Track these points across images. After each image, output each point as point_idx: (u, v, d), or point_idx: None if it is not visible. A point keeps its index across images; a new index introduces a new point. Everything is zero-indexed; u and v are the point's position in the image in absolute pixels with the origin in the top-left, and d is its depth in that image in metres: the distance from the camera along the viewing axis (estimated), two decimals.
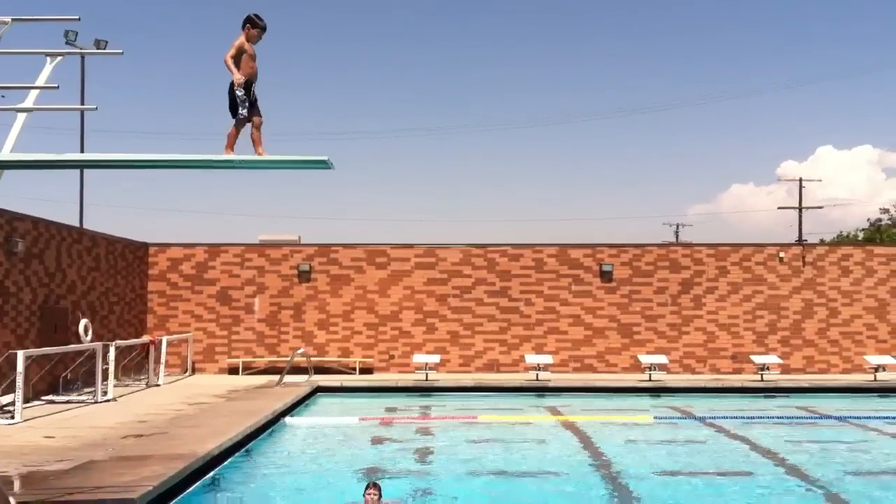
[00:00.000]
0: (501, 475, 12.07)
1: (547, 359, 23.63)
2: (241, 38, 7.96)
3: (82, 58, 30.92)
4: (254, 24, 7.94)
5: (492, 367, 25.46)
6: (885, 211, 65.65)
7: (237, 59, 7.90)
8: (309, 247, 26.18)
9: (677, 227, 72.49)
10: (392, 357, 25.51)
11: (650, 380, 22.68)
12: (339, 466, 12.38)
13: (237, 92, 7.86)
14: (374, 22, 76.82)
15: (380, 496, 9.11)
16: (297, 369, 22.77)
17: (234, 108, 7.94)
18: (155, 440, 12.71)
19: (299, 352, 23.15)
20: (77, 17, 11.52)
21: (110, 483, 9.57)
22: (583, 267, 25.84)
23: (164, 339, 22.90)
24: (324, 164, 9.57)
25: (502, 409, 19.16)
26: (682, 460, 13.48)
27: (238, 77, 7.84)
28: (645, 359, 23.61)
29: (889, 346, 25.55)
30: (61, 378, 18.96)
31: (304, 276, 25.74)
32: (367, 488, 9.19)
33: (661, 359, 23.71)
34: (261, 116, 8.08)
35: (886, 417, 17.59)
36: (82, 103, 30.63)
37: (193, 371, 24.96)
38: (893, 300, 25.90)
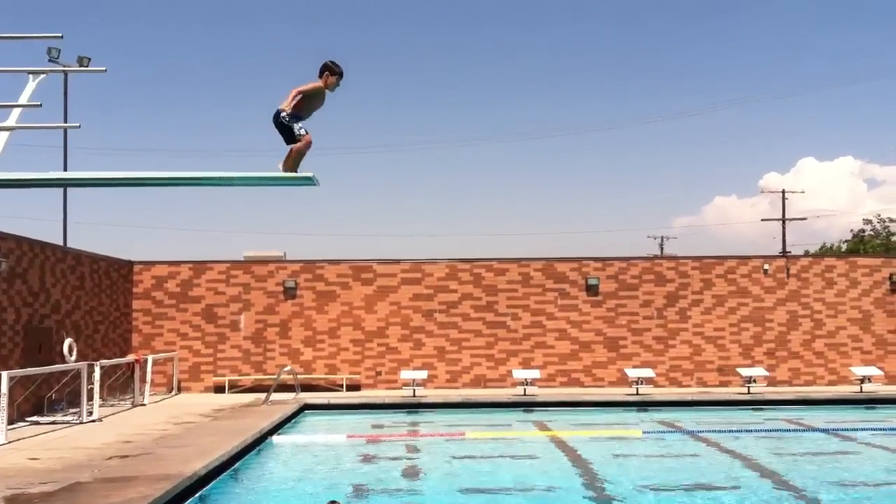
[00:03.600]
0: (489, 492, 12.03)
1: (534, 373, 23.62)
2: (320, 83, 8.00)
3: (65, 75, 30.86)
4: (332, 72, 7.99)
5: (479, 382, 25.43)
6: (868, 222, 66.06)
7: (307, 100, 7.97)
8: (294, 263, 26.12)
9: (662, 239, 72.81)
10: (379, 373, 25.45)
11: (637, 393, 22.69)
12: (326, 485, 12.29)
13: (284, 117, 7.88)
14: (357, 39, 76.90)
15: None
16: (283, 387, 22.67)
17: (288, 138, 7.96)
18: (141, 461, 12.60)
19: (286, 369, 23.06)
20: (60, 34, 11.50)
21: None
22: (568, 281, 25.87)
23: (150, 358, 22.77)
24: (309, 181, 9.55)
25: (490, 424, 19.13)
26: (670, 475, 13.47)
27: (287, 105, 7.91)
28: (632, 372, 23.62)
29: (874, 357, 25.69)
30: (46, 399, 18.82)
31: (290, 292, 25.67)
32: None
33: (648, 372, 23.74)
34: (309, 135, 8.13)
35: (873, 429, 17.65)
36: (65, 121, 30.52)
37: (179, 390, 24.83)
38: (878, 311, 26.04)
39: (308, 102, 8.06)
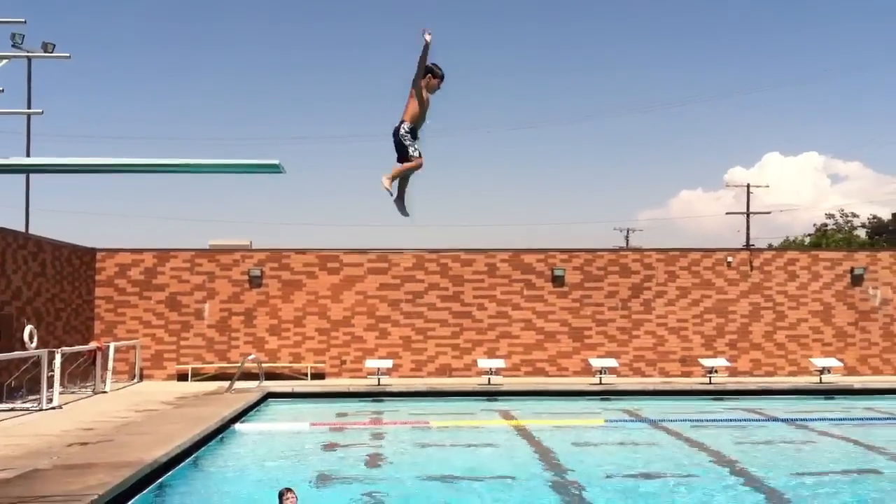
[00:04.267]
0: (453, 480, 12.07)
1: (499, 363, 23.70)
2: (422, 84, 7.92)
3: (29, 61, 30.43)
4: (434, 74, 7.92)
5: (444, 371, 25.48)
6: (831, 216, 66.98)
7: (419, 105, 7.88)
8: (260, 252, 25.98)
9: (627, 232, 73.25)
10: (344, 362, 25.41)
11: (601, 383, 22.85)
12: (289, 473, 12.26)
13: (404, 135, 7.79)
14: (326, 30, 76.54)
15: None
16: (247, 375, 22.56)
17: (402, 155, 7.86)
18: (101, 448, 12.50)
19: (250, 357, 22.94)
20: (23, 19, 11.35)
21: (55, 492, 9.38)
22: (535, 272, 25.97)
23: (112, 346, 22.56)
24: (275, 168, 9.49)
25: (454, 413, 19.18)
26: (632, 463, 13.59)
27: (407, 115, 7.83)
28: (596, 362, 23.79)
29: (834, 348, 26.06)
30: (5, 385, 18.58)
31: (255, 281, 25.54)
32: (283, 496, 9.18)
33: (612, 362, 23.92)
34: (422, 158, 8.03)
35: (832, 419, 17.91)
36: (29, 107, 30.16)
37: (142, 378, 24.64)
38: (838, 304, 26.41)
39: (419, 108, 7.96)
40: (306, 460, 13.55)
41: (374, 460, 13.66)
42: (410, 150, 7.75)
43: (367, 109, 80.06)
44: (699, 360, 24.76)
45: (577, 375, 25.26)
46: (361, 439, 15.69)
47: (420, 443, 15.32)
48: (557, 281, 26.05)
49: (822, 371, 23.55)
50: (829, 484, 11.93)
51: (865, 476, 12.47)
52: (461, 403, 20.82)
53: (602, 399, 21.43)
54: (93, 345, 22.43)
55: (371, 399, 21.32)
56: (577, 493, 11.17)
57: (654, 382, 24.05)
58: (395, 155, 7.96)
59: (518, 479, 12.15)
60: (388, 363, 23.72)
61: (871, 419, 18.41)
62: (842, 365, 24.75)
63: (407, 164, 7.89)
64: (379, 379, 22.66)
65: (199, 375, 24.64)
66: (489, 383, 22.68)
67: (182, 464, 12.43)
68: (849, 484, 11.96)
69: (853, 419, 18.14)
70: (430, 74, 7.86)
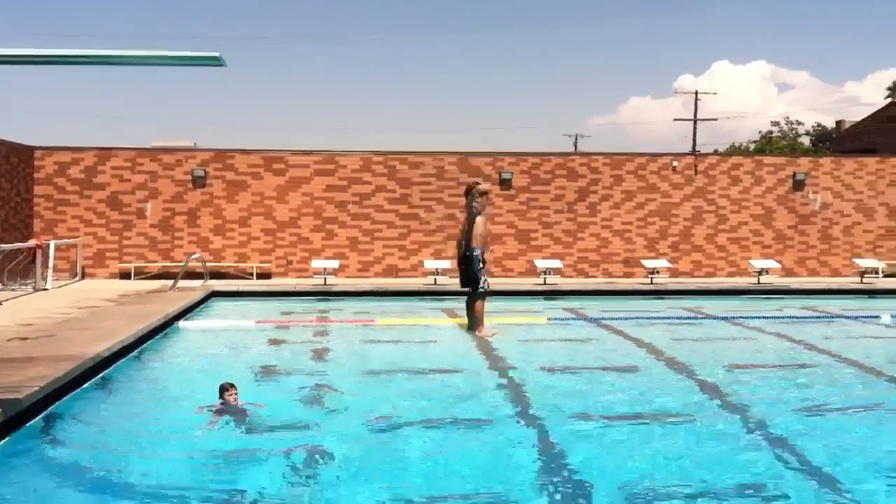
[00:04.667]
0: (397, 373, 12.22)
1: (445, 264, 23.85)
2: (484, 201, 7.74)
3: None
4: (487, 194, 7.79)
5: (391, 272, 25.59)
6: (776, 124, 67.69)
7: (483, 229, 7.72)
8: (204, 152, 25.58)
9: (576, 137, 73.40)
10: (290, 263, 25.36)
11: (545, 283, 23.15)
12: (233, 369, 12.30)
13: (480, 269, 7.62)
14: None
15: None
16: (191, 274, 22.42)
17: (472, 280, 7.69)
18: (42, 343, 12.39)
19: (194, 256, 22.77)
20: None
21: None
22: (483, 175, 25.95)
23: (52, 244, 22.22)
24: (215, 61, 9.28)
25: (401, 312, 19.31)
26: (573, 357, 13.88)
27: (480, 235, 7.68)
28: (541, 263, 24.06)
29: (773, 251, 26.65)
30: None
31: (199, 181, 25.19)
32: (224, 391, 9.25)
33: (557, 263, 24.21)
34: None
35: (768, 317, 18.41)
36: None
37: (83, 276, 24.38)
38: (779, 207, 26.91)
39: (486, 231, 7.90)
40: (251, 357, 13.58)
41: (319, 355, 13.74)
42: (481, 280, 7.73)
43: (320, 6, 78.30)
44: (642, 261, 25.16)
45: (523, 276, 25.55)
46: (307, 337, 15.75)
47: (366, 339, 15.43)
48: (505, 184, 26.09)
49: (760, 272, 24.11)
50: (763, 376, 12.33)
51: (798, 370, 12.89)
52: (407, 303, 20.97)
53: (546, 298, 21.74)
54: (32, 242, 22.05)
55: (317, 298, 21.36)
56: (518, 384, 11.39)
57: (598, 283, 24.44)
58: (460, 277, 7.91)
59: (461, 372, 12.33)
60: (335, 263, 23.74)
61: (806, 318, 18.96)
62: (780, 266, 25.34)
63: (480, 305, 7.88)
64: (325, 279, 22.69)
65: (142, 274, 24.45)
66: (435, 283, 22.84)
67: (125, 358, 12.41)
68: (781, 377, 12.37)
69: (788, 317, 18.69)
70: (485, 196, 7.91)
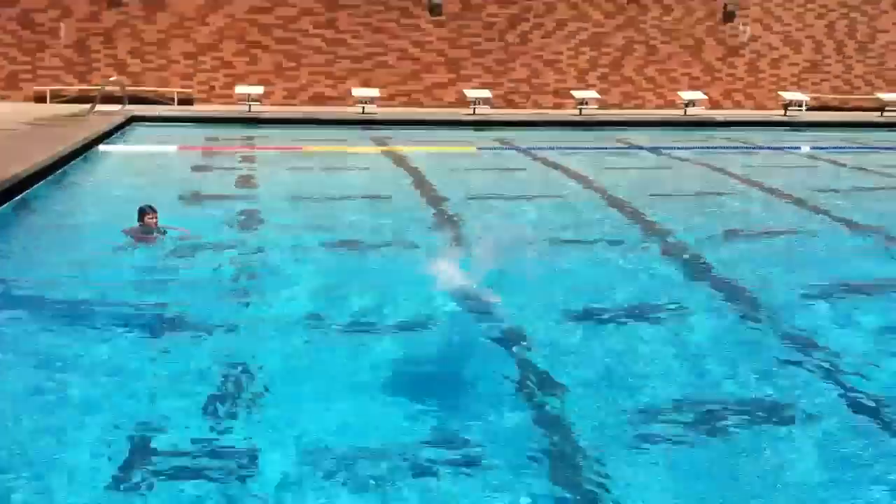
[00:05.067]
0: (324, 199, 12.15)
1: (374, 92, 23.40)
2: None
3: None
4: None
5: (318, 100, 25.02)
6: None
7: None
8: None
9: None
10: (213, 88, 24.58)
11: (475, 114, 22.96)
12: (154, 192, 12.01)
13: None
14: None
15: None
16: (111, 99, 21.56)
17: None
18: None
19: (112, 79, 21.87)
20: None
21: None
22: (412, 0, 25.13)
23: None
24: None
25: (329, 140, 19.03)
26: (501, 185, 13.95)
27: None
28: (471, 93, 23.77)
29: (701, 83, 26.73)
30: None
31: (115, 0, 23.87)
32: (144, 213, 9.05)
33: (486, 93, 23.95)
34: None
35: (693, 147, 18.66)
36: None
37: None
38: (709, 39, 26.81)
39: None
40: (173, 181, 13.32)
41: (244, 181, 13.51)
42: None
43: None
44: (572, 92, 25.01)
45: (452, 107, 25.23)
46: (231, 163, 15.42)
47: (293, 167, 15.24)
48: (435, 10, 25.33)
49: (687, 104, 24.24)
50: (684, 203, 12.60)
51: (719, 196, 13.21)
52: (335, 131, 20.63)
53: (476, 129, 21.58)
54: None
55: (243, 125, 20.84)
56: (445, 209, 11.44)
57: (527, 113, 24.33)
58: None
59: (389, 199, 12.33)
60: (260, 90, 23.10)
61: (729, 148, 19.28)
62: (707, 98, 25.48)
63: None
64: (250, 105, 22.12)
65: (58, 98, 23.47)
66: (363, 112, 22.47)
67: (45, 181, 12.06)
68: (702, 203, 12.67)
69: (713, 147, 18.97)
70: None
